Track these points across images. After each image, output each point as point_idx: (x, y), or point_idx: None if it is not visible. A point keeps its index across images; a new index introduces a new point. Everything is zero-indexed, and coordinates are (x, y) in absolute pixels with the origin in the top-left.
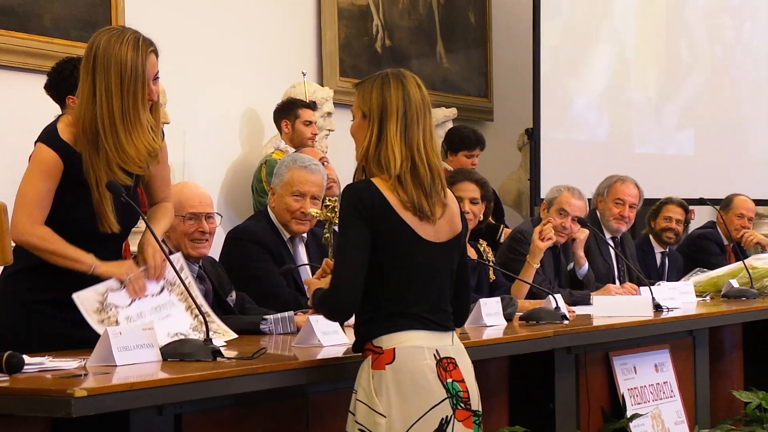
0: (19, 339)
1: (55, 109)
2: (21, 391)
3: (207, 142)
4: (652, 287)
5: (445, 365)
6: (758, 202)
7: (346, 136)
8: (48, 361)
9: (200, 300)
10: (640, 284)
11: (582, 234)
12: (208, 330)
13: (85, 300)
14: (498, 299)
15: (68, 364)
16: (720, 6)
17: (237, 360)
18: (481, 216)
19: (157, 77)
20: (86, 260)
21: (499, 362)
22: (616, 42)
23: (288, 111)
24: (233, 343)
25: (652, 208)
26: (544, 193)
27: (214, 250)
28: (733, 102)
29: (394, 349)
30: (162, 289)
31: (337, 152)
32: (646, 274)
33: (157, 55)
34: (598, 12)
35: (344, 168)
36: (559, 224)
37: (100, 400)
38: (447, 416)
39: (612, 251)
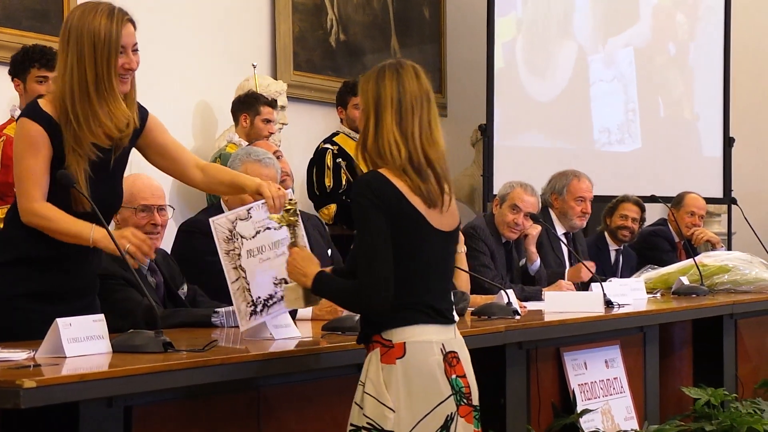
0: (3, 331)
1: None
2: None
3: None
4: (603, 283)
5: (449, 360)
6: (709, 200)
7: (300, 130)
8: None
9: (307, 244)
10: (591, 281)
11: (534, 230)
12: None
13: (218, 227)
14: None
15: (17, 355)
16: (674, 3)
17: (188, 352)
18: None
19: (136, 48)
20: (84, 235)
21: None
22: (570, 37)
23: (249, 105)
24: (183, 336)
25: (608, 205)
26: (497, 189)
27: (167, 242)
28: (686, 99)
29: (404, 343)
30: (280, 223)
31: (290, 146)
32: (600, 270)
33: (134, 25)
34: (554, 8)
35: (297, 162)
36: (511, 220)
37: (49, 391)
38: (452, 413)
39: (564, 247)
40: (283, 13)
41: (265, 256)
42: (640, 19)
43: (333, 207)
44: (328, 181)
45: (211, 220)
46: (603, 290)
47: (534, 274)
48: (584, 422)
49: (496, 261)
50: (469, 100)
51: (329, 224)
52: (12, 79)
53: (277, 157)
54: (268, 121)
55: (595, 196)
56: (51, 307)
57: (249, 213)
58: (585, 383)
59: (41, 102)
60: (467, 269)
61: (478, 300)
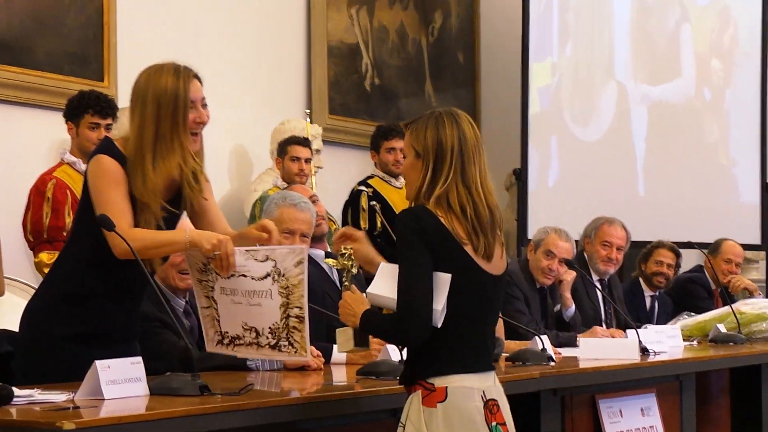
0: (48, 373)
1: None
2: (10, 423)
3: None
4: (638, 330)
5: (490, 407)
6: (746, 247)
7: (334, 173)
8: (37, 394)
9: (305, 305)
10: (627, 327)
11: (569, 276)
12: (288, 339)
13: (191, 258)
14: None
15: (57, 396)
16: (710, 50)
17: (223, 395)
18: None
19: (205, 103)
20: (179, 239)
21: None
22: (607, 82)
23: (281, 148)
24: (218, 379)
25: (643, 251)
26: (531, 233)
27: None
28: (722, 145)
29: (446, 387)
30: (267, 275)
31: (325, 189)
32: (635, 317)
33: (200, 81)
34: (589, 55)
35: (332, 204)
36: (546, 266)
37: None
38: None
39: (599, 293)
40: (318, 58)
41: (238, 299)
42: (679, 65)
43: None
44: (363, 223)
45: (185, 252)
46: (638, 337)
47: (569, 320)
48: None
49: (530, 306)
50: (503, 144)
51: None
52: (66, 122)
53: (313, 202)
54: (296, 158)
55: (630, 241)
56: (96, 350)
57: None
58: (621, 431)
59: (116, 141)
60: (501, 315)
61: (513, 346)
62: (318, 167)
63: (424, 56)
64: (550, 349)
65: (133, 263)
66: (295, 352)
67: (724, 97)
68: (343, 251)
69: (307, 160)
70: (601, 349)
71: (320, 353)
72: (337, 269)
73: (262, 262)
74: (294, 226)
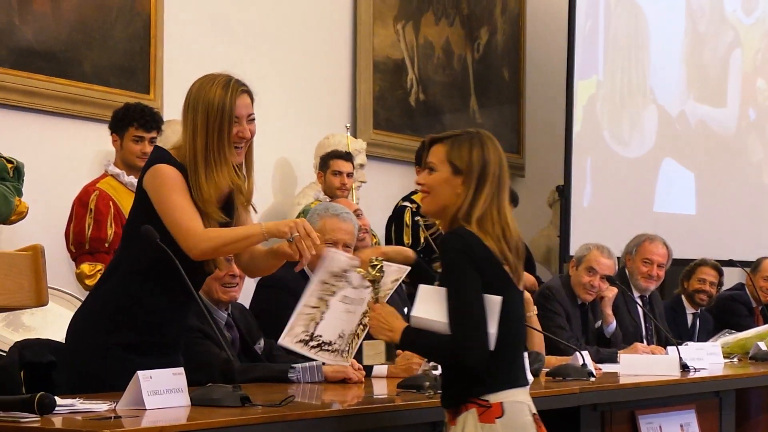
0: (95, 380)
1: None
2: None
3: None
4: (679, 347)
5: (536, 420)
6: None
7: (378, 188)
8: (79, 403)
9: None
10: (667, 344)
11: (610, 292)
12: (349, 345)
13: (334, 259)
14: (525, 354)
15: (99, 406)
16: (756, 69)
17: (264, 407)
18: None
19: (253, 118)
20: (255, 231)
21: None
22: (652, 101)
23: (323, 162)
24: (259, 391)
25: (686, 268)
26: (573, 250)
27: (245, 297)
28: (766, 164)
29: (501, 403)
30: (369, 287)
31: (369, 204)
32: (676, 334)
33: (251, 96)
34: (635, 71)
35: (375, 219)
36: (587, 282)
37: None
38: None
39: (640, 310)
40: (364, 73)
41: (351, 308)
42: (725, 85)
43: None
44: (407, 239)
45: (329, 249)
46: (679, 354)
47: (610, 336)
48: None
49: (571, 322)
50: (546, 160)
51: (406, 282)
52: (111, 134)
53: (357, 215)
54: (338, 173)
55: (672, 259)
56: (144, 359)
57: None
58: None
59: (171, 151)
60: (540, 330)
61: (553, 361)
62: (361, 182)
63: (469, 72)
64: (591, 365)
65: (185, 272)
66: (346, 358)
67: (766, 115)
68: (375, 262)
69: (349, 175)
70: (641, 365)
71: (361, 366)
72: (366, 276)
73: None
74: (337, 237)
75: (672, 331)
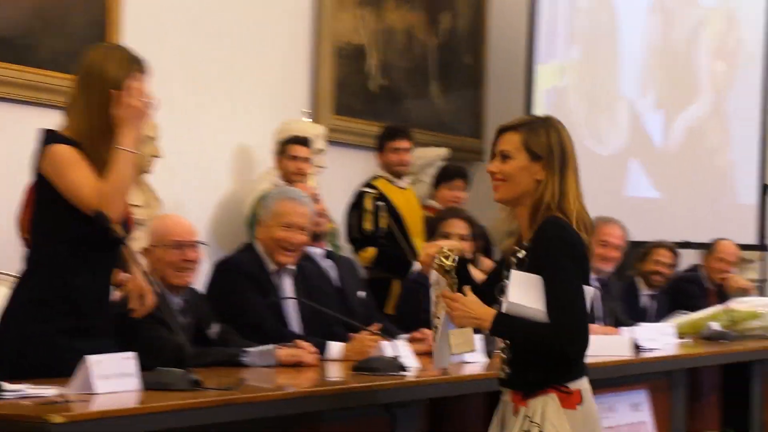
0: (36, 367)
1: None
2: None
3: (198, 178)
4: (632, 328)
5: None
6: (743, 247)
7: (339, 174)
8: (27, 388)
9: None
10: (621, 325)
11: None
12: None
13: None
14: (480, 336)
15: (47, 391)
16: (715, 52)
17: (216, 390)
18: (470, 254)
19: (146, 93)
20: (127, 156)
21: (479, 398)
22: (610, 87)
23: (281, 148)
24: (212, 375)
25: (641, 250)
26: None
27: (200, 282)
28: (722, 146)
29: (580, 390)
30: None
31: (330, 189)
32: (632, 315)
33: (144, 71)
34: (593, 59)
35: (336, 205)
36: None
37: (78, 426)
38: None
39: (596, 291)
40: (325, 58)
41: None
42: (683, 67)
43: (372, 251)
44: (368, 225)
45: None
46: (631, 334)
47: None
48: None
49: None
50: None
51: (368, 268)
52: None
53: (315, 200)
54: (294, 157)
55: (631, 242)
56: (79, 342)
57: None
58: (611, 427)
59: (60, 132)
60: None
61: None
62: (321, 167)
63: (431, 58)
64: None
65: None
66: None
67: (726, 100)
68: (447, 252)
69: (307, 160)
70: (594, 346)
71: (316, 349)
72: (440, 266)
73: None
74: (292, 220)
75: (627, 312)
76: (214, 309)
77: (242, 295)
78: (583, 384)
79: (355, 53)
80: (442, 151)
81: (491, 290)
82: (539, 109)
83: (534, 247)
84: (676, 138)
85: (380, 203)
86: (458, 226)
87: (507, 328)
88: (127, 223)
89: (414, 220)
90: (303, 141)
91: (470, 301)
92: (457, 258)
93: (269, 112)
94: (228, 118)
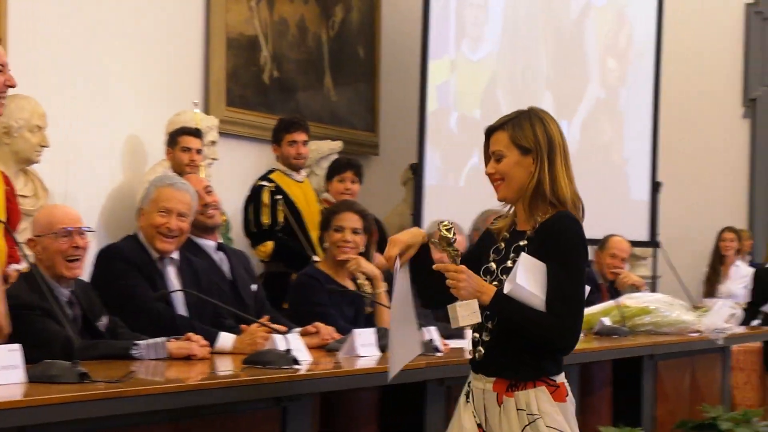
0: None
1: None
2: None
3: (88, 169)
4: None
5: None
6: (635, 244)
7: (232, 166)
8: None
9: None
10: None
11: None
12: None
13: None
14: (373, 330)
15: None
16: (606, 49)
17: (104, 383)
18: (363, 247)
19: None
20: None
21: (371, 392)
22: (501, 83)
23: (171, 139)
24: (100, 368)
25: None
26: (426, 228)
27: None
28: (615, 143)
29: (564, 383)
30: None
31: (222, 182)
32: None
33: None
34: (485, 55)
35: (230, 197)
36: (438, 258)
37: None
38: None
39: None
40: (216, 49)
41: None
42: (576, 63)
43: (270, 245)
44: (265, 219)
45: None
46: None
47: None
48: None
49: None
50: (400, 139)
51: (266, 262)
52: None
53: (207, 192)
54: (187, 149)
55: None
56: None
57: None
58: None
59: None
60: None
61: None
62: (213, 159)
63: (324, 50)
64: (438, 340)
65: None
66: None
67: (618, 97)
68: (448, 225)
69: (198, 151)
70: None
71: (207, 342)
72: (443, 238)
73: None
74: (170, 205)
75: None
76: (99, 296)
77: (127, 282)
78: (563, 378)
79: (248, 45)
80: (337, 144)
81: (474, 269)
82: (432, 105)
83: (542, 238)
84: (570, 134)
85: (278, 197)
86: (351, 219)
87: (506, 307)
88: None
89: (311, 213)
90: (195, 132)
91: (471, 273)
92: (453, 230)
93: (161, 103)
94: (119, 108)
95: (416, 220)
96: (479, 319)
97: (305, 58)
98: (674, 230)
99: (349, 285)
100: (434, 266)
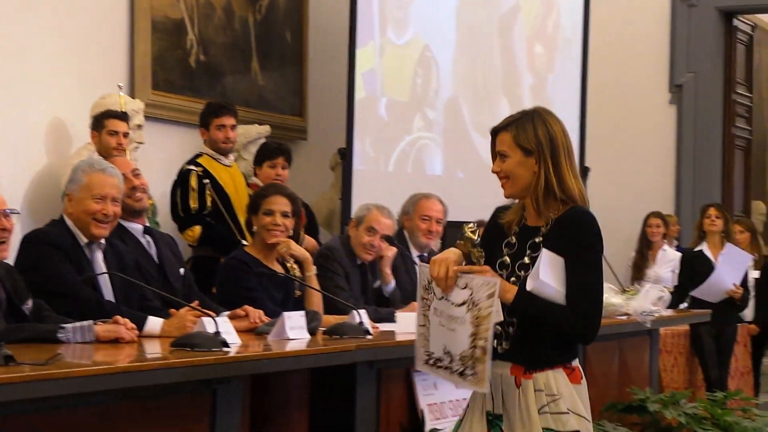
0: None
1: None
2: None
3: (12, 153)
4: None
5: None
6: None
7: (158, 150)
8: None
9: (490, 339)
10: None
11: (390, 252)
12: (473, 368)
13: (422, 272)
14: (302, 313)
15: None
16: (535, 35)
17: (30, 365)
18: (292, 230)
19: None
20: None
21: (301, 375)
22: (426, 67)
23: (97, 122)
24: (26, 351)
25: (460, 230)
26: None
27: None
28: None
29: (578, 367)
30: (463, 303)
31: (149, 165)
32: None
33: None
34: (412, 39)
35: (156, 181)
36: (367, 242)
37: None
38: None
39: (418, 269)
40: (142, 32)
41: (443, 322)
42: (504, 48)
43: (197, 229)
44: (193, 203)
45: (419, 264)
46: None
47: (389, 295)
48: None
49: (350, 282)
50: (329, 124)
51: (193, 246)
52: None
53: (136, 175)
54: (114, 132)
55: (452, 221)
56: None
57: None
58: (434, 403)
59: None
60: (319, 289)
61: (331, 320)
62: (139, 143)
63: (251, 34)
64: (368, 323)
65: None
66: (477, 382)
67: (546, 83)
68: (473, 227)
69: (125, 135)
70: (413, 324)
71: (135, 326)
72: (468, 239)
73: (462, 289)
74: (105, 191)
75: None
76: (27, 285)
77: (55, 265)
78: (578, 362)
79: (174, 28)
80: (264, 129)
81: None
82: (359, 89)
83: (559, 233)
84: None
85: (205, 181)
86: (281, 203)
87: (529, 304)
88: None
89: (239, 197)
90: (121, 116)
91: (495, 274)
92: (476, 231)
93: (85, 86)
94: (43, 91)
95: (345, 205)
96: (501, 318)
97: (232, 42)
98: (602, 215)
99: (278, 268)
100: (457, 268)
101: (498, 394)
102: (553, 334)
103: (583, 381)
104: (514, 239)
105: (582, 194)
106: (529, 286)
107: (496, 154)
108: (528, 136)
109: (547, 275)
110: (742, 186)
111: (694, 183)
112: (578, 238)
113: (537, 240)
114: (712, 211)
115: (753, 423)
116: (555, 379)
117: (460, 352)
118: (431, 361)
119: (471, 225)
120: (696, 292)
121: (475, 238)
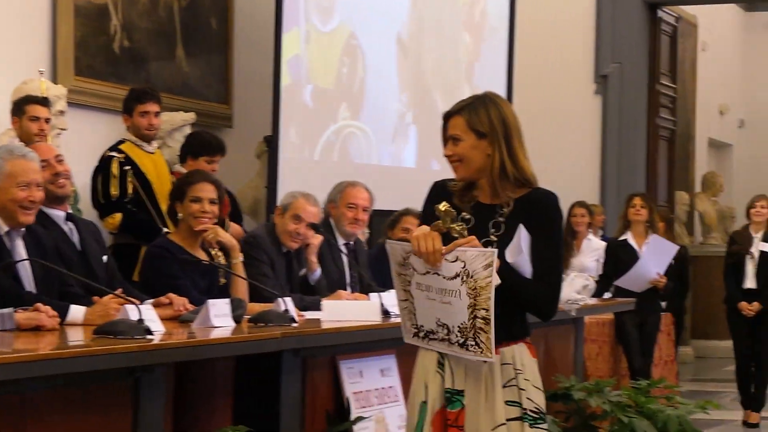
0: None
1: None
2: None
3: None
4: (381, 294)
5: None
6: None
7: (81, 137)
8: None
9: (492, 308)
10: (371, 291)
11: (315, 240)
12: (474, 339)
13: (394, 249)
14: (227, 301)
15: None
16: (462, 22)
17: None
18: (217, 218)
19: None
20: None
21: (226, 362)
22: (353, 55)
23: (17, 108)
24: None
25: (390, 218)
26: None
27: None
28: None
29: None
30: (456, 276)
31: (71, 152)
32: (382, 282)
33: None
34: (338, 27)
35: (79, 168)
36: (293, 230)
37: None
38: None
39: (345, 258)
40: (64, 17)
41: (432, 296)
42: (431, 35)
43: (118, 216)
44: (114, 190)
45: (388, 242)
46: (381, 300)
47: (314, 283)
48: (358, 430)
49: (276, 270)
50: (255, 111)
51: (114, 233)
52: None
53: (59, 161)
54: (35, 118)
55: (378, 210)
56: None
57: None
58: (360, 391)
59: None
60: (244, 277)
61: (256, 308)
62: (62, 129)
63: (176, 20)
64: (293, 311)
65: None
66: (481, 352)
67: (473, 71)
68: (445, 204)
69: (47, 120)
70: (343, 311)
71: (56, 313)
72: (448, 213)
73: (452, 262)
74: (30, 178)
75: (378, 279)
76: None
77: None
78: (529, 339)
79: (97, 13)
80: (189, 116)
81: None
82: (285, 77)
83: (526, 212)
84: (426, 108)
85: (127, 168)
86: (208, 190)
87: (509, 277)
88: None
89: (162, 185)
90: (43, 101)
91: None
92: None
93: (7, 71)
94: None
95: (271, 194)
96: (498, 281)
97: (156, 27)
98: None
99: (203, 256)
100: (446, 247)
101: (460, 369)
102: (520, 308)
103: (538, 356)
104: (468, 215)
105: (533, 175)
106: (509, 259)
107: (447, 139)
108: (481, 120)
109: (525, 249)
110: (666, 176)
111: (618, 173)
112: (546, 218)
113: (500, 219)
114: (636, 201)
115: (676, 411)
116: (519, 352)
117: (458, 323)
118: (421, 334)
119: (443, 204)
120: (620, 282)
121: (454, 212)
